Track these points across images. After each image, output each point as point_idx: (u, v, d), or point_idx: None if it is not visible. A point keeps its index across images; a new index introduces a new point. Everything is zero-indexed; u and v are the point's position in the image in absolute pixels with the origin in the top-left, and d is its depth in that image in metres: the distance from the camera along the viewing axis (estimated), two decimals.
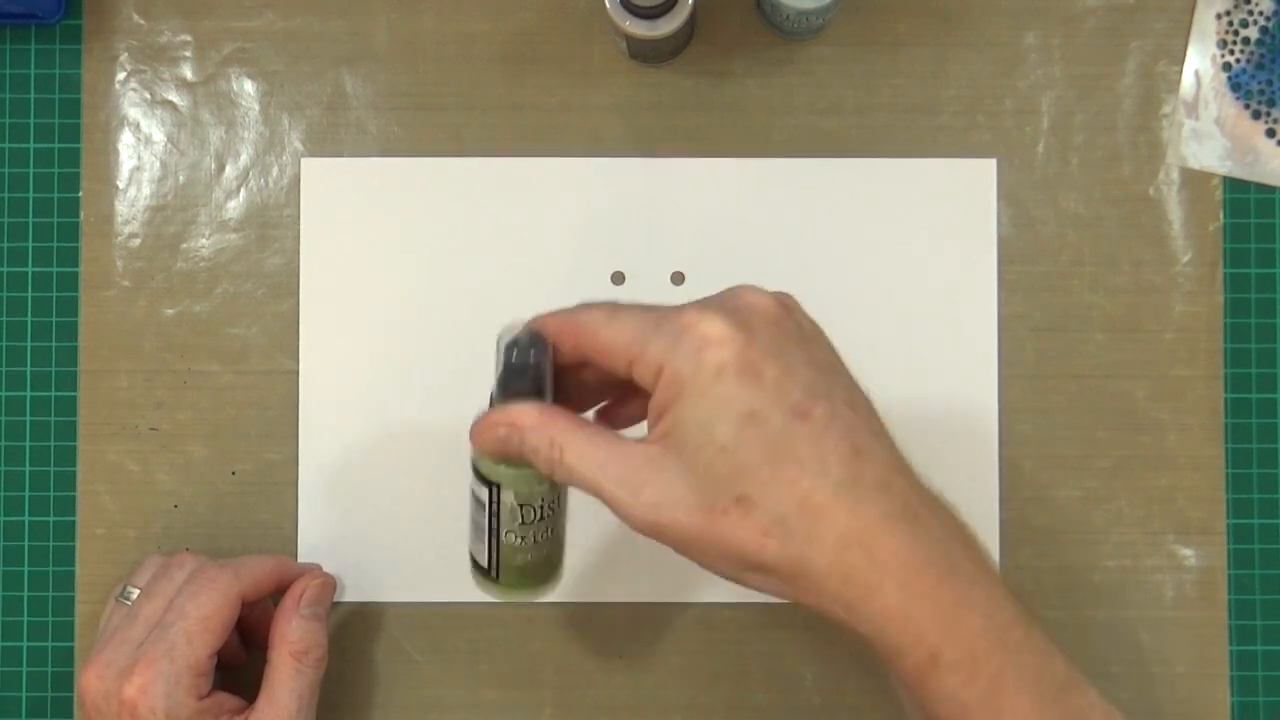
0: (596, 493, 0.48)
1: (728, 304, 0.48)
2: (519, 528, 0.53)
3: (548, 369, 0.51)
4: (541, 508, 0.53)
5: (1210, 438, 0.65)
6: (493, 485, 0.52)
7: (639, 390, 0.50)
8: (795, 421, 0.46)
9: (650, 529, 0.48)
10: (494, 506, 0.52)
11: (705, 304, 0.48)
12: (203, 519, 0.66)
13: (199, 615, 0.58)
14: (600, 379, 0.52)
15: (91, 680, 0.57)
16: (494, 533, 0.53)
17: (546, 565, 0.55)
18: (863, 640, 0.47)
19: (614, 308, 0.50)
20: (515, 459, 0.50)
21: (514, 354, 0.50)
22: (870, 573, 0.46)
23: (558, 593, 0.64)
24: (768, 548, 0.46)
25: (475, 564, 0.55)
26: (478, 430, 0.51)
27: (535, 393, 0.50)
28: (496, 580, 0.54)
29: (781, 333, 0.48)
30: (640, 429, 0.51)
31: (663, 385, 0.47)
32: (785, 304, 0.50)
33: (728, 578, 0.48)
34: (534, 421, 0.50)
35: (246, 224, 0.66)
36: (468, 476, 0.53)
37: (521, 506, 0.52)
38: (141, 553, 0.64)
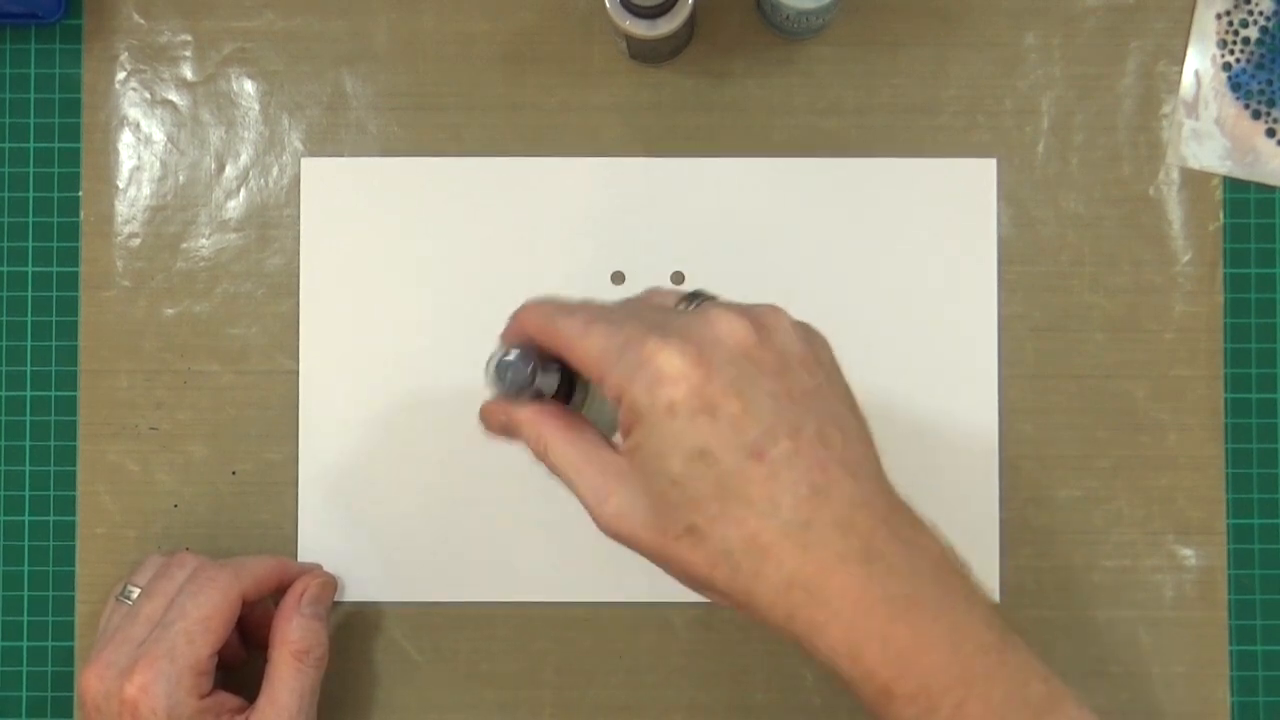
0: (571, 491, 0.50)
1: (693, 334, 0.48)
2: None
3: (534, 376, 0.52)
4: None
5: (1210, 438, 0.65)
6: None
7: None
8: (749, 461, 0.46)
9: (612, 536, 0.49)
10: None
11: (668, 332, 0.48)
12: (203, 519, 0.66)
13: (200, 615, 0.58)
14: None
15: (92, 680, 0.57)
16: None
17: None
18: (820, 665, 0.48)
19: (589, 319, 0.50)
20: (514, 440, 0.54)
21: (508, 374, 0.52)
22: (815, 612, 0.46)
23: (558, 592, 0.65)
24: (715, 577, 0.47)
25: None
26: (485, 413, 0.55)
27: (529, 389, 0.52)
28: None
29: (751, 365, 0.48)
30: None
31: (623, 411, 0.48)
32: (764, 325, 0.49)
33: (687, 588, 0.49)
34: (526, 418, 0.52)
35: (246, 224, 0.66)
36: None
37: None
38: (141, 553, 0.64)
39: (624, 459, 0.49)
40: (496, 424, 0.54)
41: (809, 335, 0.50)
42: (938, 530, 0.49)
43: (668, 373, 0.47)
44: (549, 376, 0.53)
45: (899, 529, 0.48)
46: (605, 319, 0.50)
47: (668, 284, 0.65)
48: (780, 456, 0.47)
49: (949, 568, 0.49)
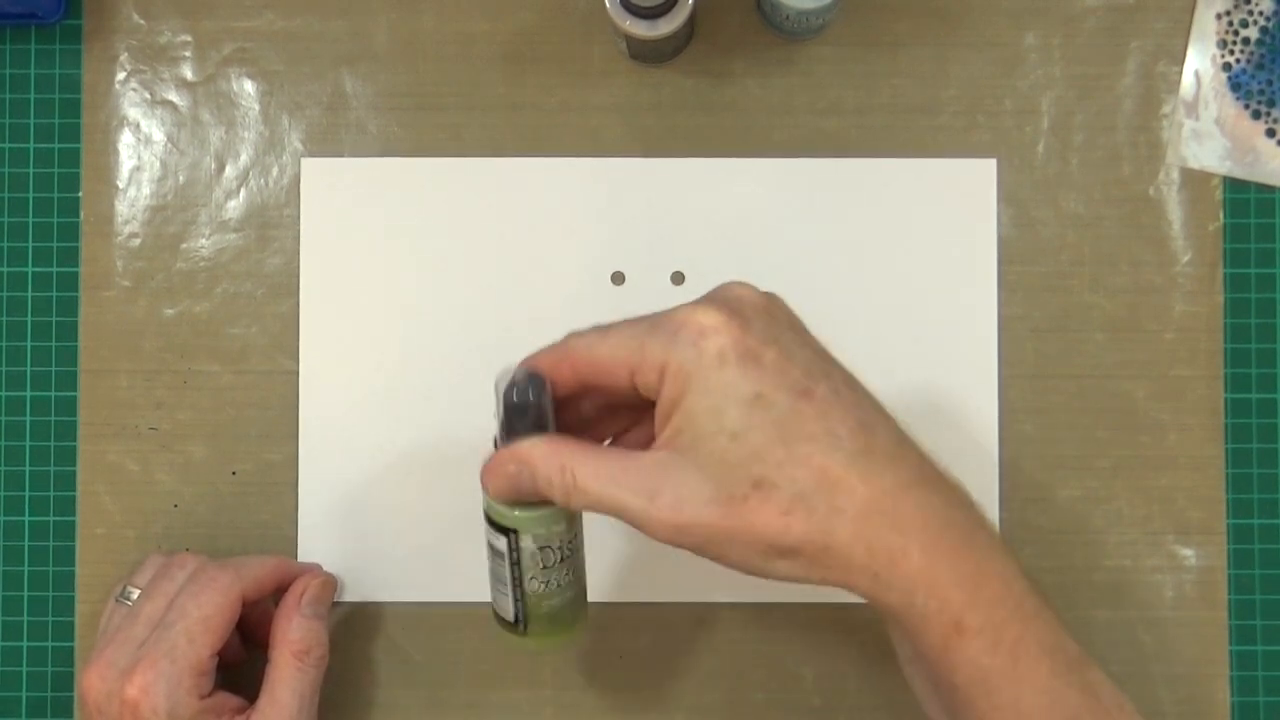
0: (614, 508, 0.48)
1: (717, 297, 0.50)
2: (541, 572, 0.52)
3: (548, 404, 0.50)
4: (561, 548, 0.53)
5: (1210, 438, 0.65)
6: (510, 533, 0.52)
7: (642, 412, 0.51)
8: (800, 400, 0.47)
9: (671, 532, 0.48)
10: (514, 555, 0.52)
11: (695, 301, 0.50)
12: (203, 519, 0.66)
13: (200, 615, 0.58)
14: (601, 407, 0.53)
15: (93, 680, 0.57)
16: (517, 582, 0.53)
17: (573, 608, 0.55)
18: (888, 611, 0.48)
19: (603, 327, 0.50)
20: (529, 496, 0.50)
21: (513, 394, 0.50)
22: (895, 537, 0.47)
23: None
24: (791, 527, 0.47)
25: (501, 619, 0.55)
26: (488, 474, 0.51)
27: (538, 428, 0.50)
28: (525, 632, 0.54)
29: (773, 320, 0.49)
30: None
31: (668, 382, 0.48)
32: (771, 296, 0.51)
33: (752, 571, 0.48)
34: (542, 452, 0.50)
35: (246, 224, 0.66)
36: (482, 530, 0.53)
37: (541, 550, 0.52)
38: (141, 553, 0.64)
39: (662, 451, 0.48)
40: (504, 477, 0.50)
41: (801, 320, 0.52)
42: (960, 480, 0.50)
43: (710, 325, 0.48)
44: (550, 410, 0.51)
45: (935, 467, 0.49)
46: (621, 322, 0.50)
47: (667, 284, 0.65)
48: (826, 394, 0.48)
49: (982, 511, 0.50)
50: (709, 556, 0.48)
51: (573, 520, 0.53)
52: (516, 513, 0.51)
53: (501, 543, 0.52)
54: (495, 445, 0.52)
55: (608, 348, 0.49)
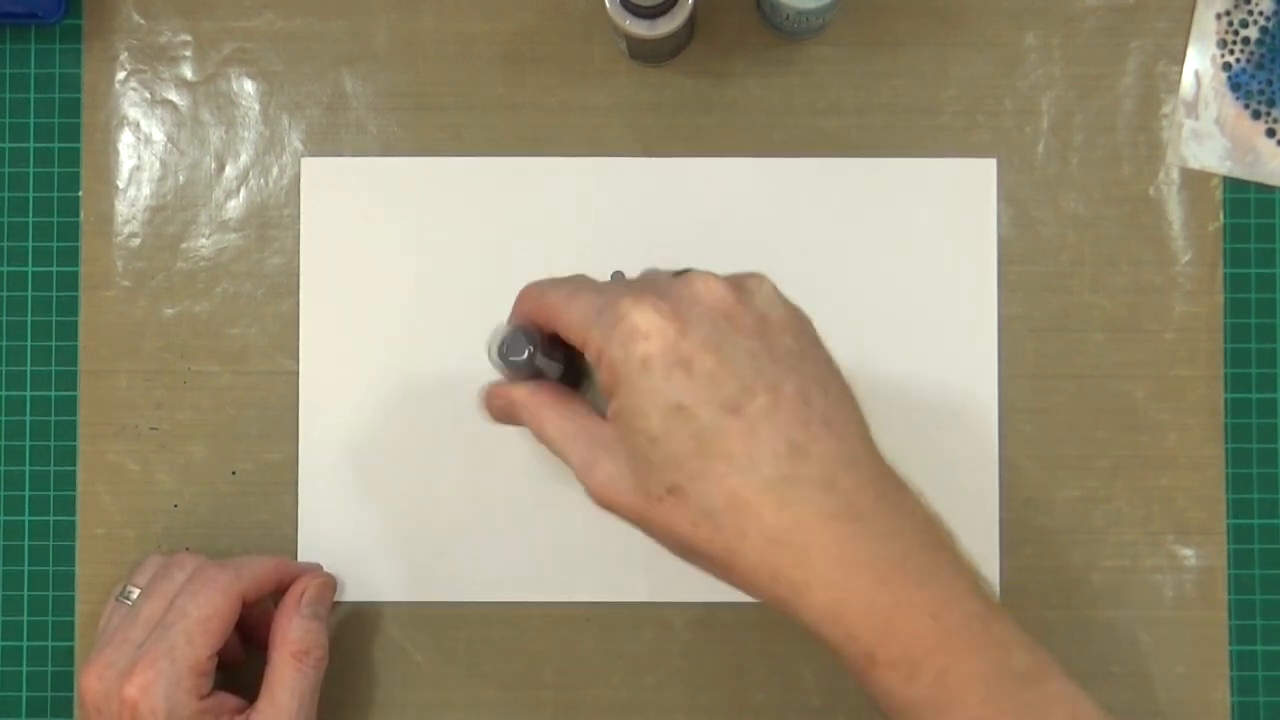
0: (565, 463, 0.51)
1: (670, 293, 0.49)
2: None
3: (537, 355, 0.53)
4: None
5: (1210, 438, 0.65)
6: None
7: None
8: (726, 417, 0.47)
9: (602, 504, 0.50)
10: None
11: (643, 290, 0.49)
12: (203, 519, 0.66)
13: (200, 615, 0.58)
14: None
15: (92, 680, 0.57)
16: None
17: None
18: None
19: (575, 287, 0.52)
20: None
21: (506, 352, 0.53)
22: (798, 571, 0.46)
23: (558, 592, 0.65)
24: (698, 536, 0.47)
25: None
26: (485, 397, 0.55)
27: (533, 375, 0.54)
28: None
29: (727, 323, 0.48)
30: None
31: (604, 371, 0.49)
32: (745, 289, 0.50)
33: (675, 555, 0.50)
34: (522, 399, 0.53)
35: (246, 224, 0.66)
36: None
37: None
38: (141, 553, 0.64)
39: (610, 427, 0.49)
40: (498, 408, 0.55)
41: (793, 307, 0.51)
42: (924, 497, 0.49)
43: (641, 328, 0.47)
44: (553, 363, 0.54)
45: (885, 492, 0.48)
46: (591, 287, 0.51)
47: None
48: (758, 412, 0.47)
49: (934, 534, 0.49)
50: (637, 529, 0.50)
51: None
52: None
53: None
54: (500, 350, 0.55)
55: (569, 316, 0.51)
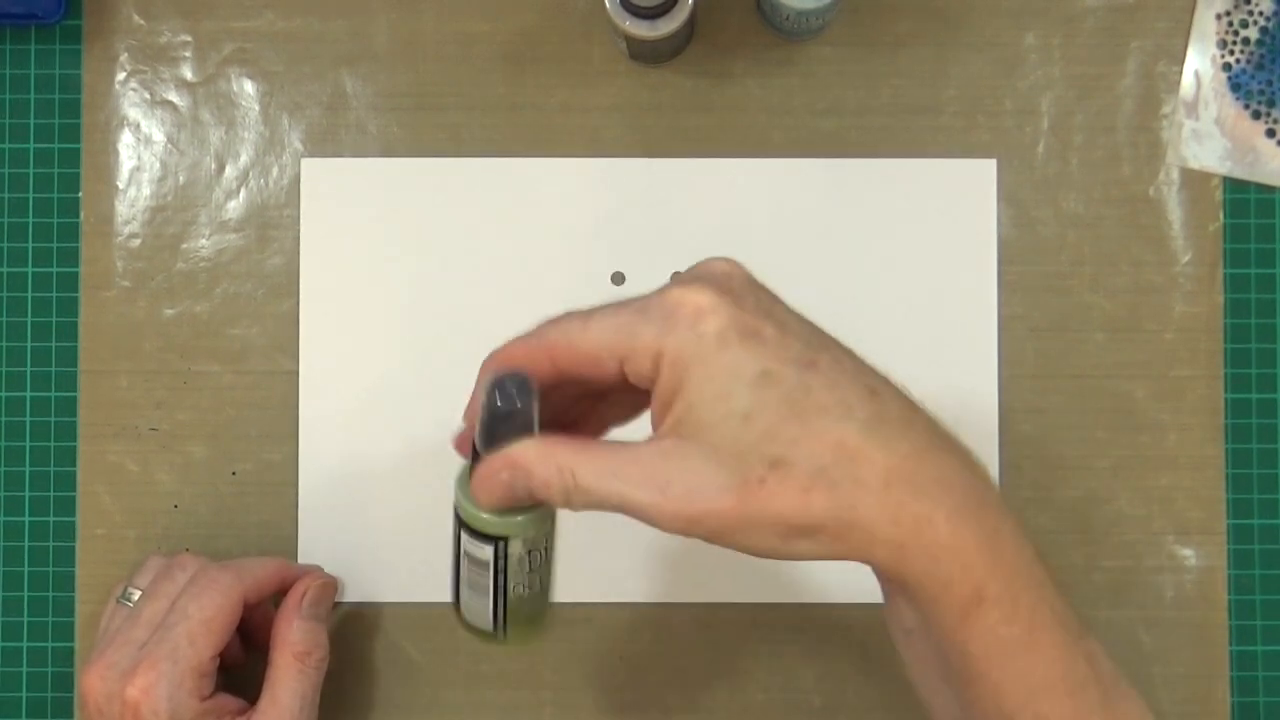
0: (620, 504, 0.46)
1: (704, 275, 0.47)
2: (527, 576, 0.50)
3: (534, 405, 0.47)
4: (546, 548, 0.50)
5: (1210, 438, 0.65)
6: (498, 541, 0.48)
7: (625, 397, 0.49)
8: (807, 372, 0.45)
9: (684, 524, 0.45)
10: (500, 563, 0.49)
11: (681, 281, 0.47)
12: (203, 519, 0.66)
13: (201, 616, 0.58)
14: (579, 396, 0.50)
15: (94, 681, 0.57)
16: (500, 590, 0.50)
17: (546, 602, 0.52)
18: (906, 582, 0.45)
19: (584, 314, 0.47)
20: (523, 502, 0.47)
21: (496, 399, 0.46)
22: (919, 505, 0.45)
23: (558, 592, 0.64)
24: (813, 505, 0.44)
25: (472, 628, 0.51)
26: (478, 483, 0.48)
27: (525, 431, 0.47)
28: (505, 638, 0.51)
29: (761, 291, 0.48)
30: (627, 431, 0.50)
31: (666, 369, 0.45)
32: (745, 269, 0.49)
33: (769, 554, 0.46)
34: (537, 454, 0.46)
35: (246, 224, 0.66)
36: (450, 541, 0.50)
37: (530, 553, 0.49)
38: (141, 553, 0.64)
39: (667, 440, 0.45)
40: (498, 485, 0.47)
41: None
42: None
43: (705, 306, 0.45)
44: (536, 412, 0.47)
45: (946, 431, 0.48)
46: (601, 307, 0.48)
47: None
48: (830, 363, 0.46)
49: (990, 475, 0.48)
50: (722, 544, 0.46)
51: (555, 516, 0.50)
52: (509, 519, 0.48)
53: (486, 551, 0.49)
54: (474, 452, 0.48)
55: (592, 338, 0.47)
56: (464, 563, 0.50)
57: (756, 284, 0.48)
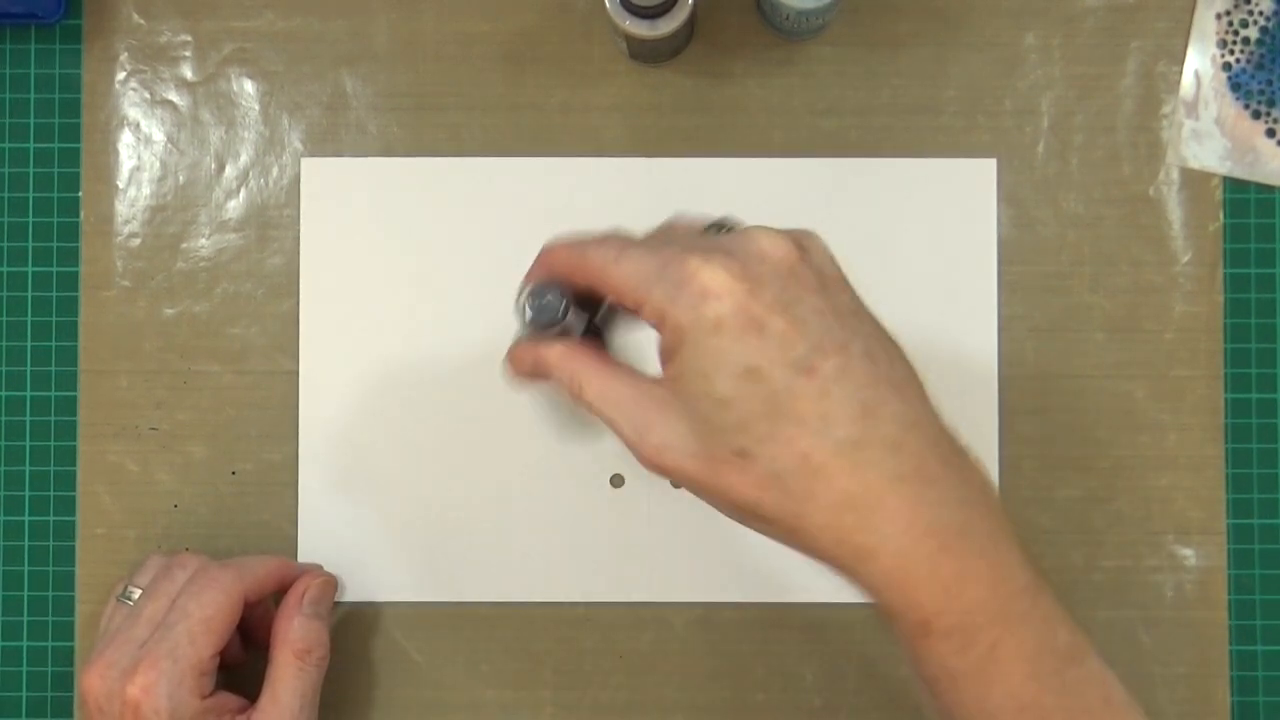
0: (611, 427, 0.49)
1: (737, 250, 0.47)
2: None
3: (563, 316, 0.51)
4: None
5: (1210, 438, 0.65)
6: None
7: None
8: (799, 378, 0.45)
9: (656, 469, 0.48)
10: None
11: (711, 249, 0.47)
12: (203, 519, 0.66)
13: (202, 615, 0.58)
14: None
15: (94, 680, 0.57)
16: None
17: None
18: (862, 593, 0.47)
19: (622, 245, 0.49)
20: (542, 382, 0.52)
21: (539, 309, 0.51)
22: (865, 536, 0.45)
23: (558, 593, 0.65)
24: (764, 501, 0.46)
25: None
26: (511, 357, 0.52)
27: (558, 331, 0.51)
28: None
29: (795, 281, 0.47)
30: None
31: (666, 332, 0.47)
32: (803, 245, 0.48)
33: (733, 519, 0.48)
34: (557, 359, 0.50)
35: (246, 224, 0.66)
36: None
37: None
38: (142, 553, 0.64)
39: (665, 388, 0.47)
40: (525, 366, 0.52)
41: (837, 264, 0.50)
42: (981, 462, 0.48)
43: (712, 288, 0.46)
44: (577, 320, 0.52)
45: (948, 455, 0.47)
46: (639, 245, 0.49)
47: None
48: (830, 373, 0.46)
49: (992, 501, 0.48)
50: (692, 493, 0.48)
51: None
52: None
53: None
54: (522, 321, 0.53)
55: (620, 274, 0.48)
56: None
57: (797, 267, 0.47)
